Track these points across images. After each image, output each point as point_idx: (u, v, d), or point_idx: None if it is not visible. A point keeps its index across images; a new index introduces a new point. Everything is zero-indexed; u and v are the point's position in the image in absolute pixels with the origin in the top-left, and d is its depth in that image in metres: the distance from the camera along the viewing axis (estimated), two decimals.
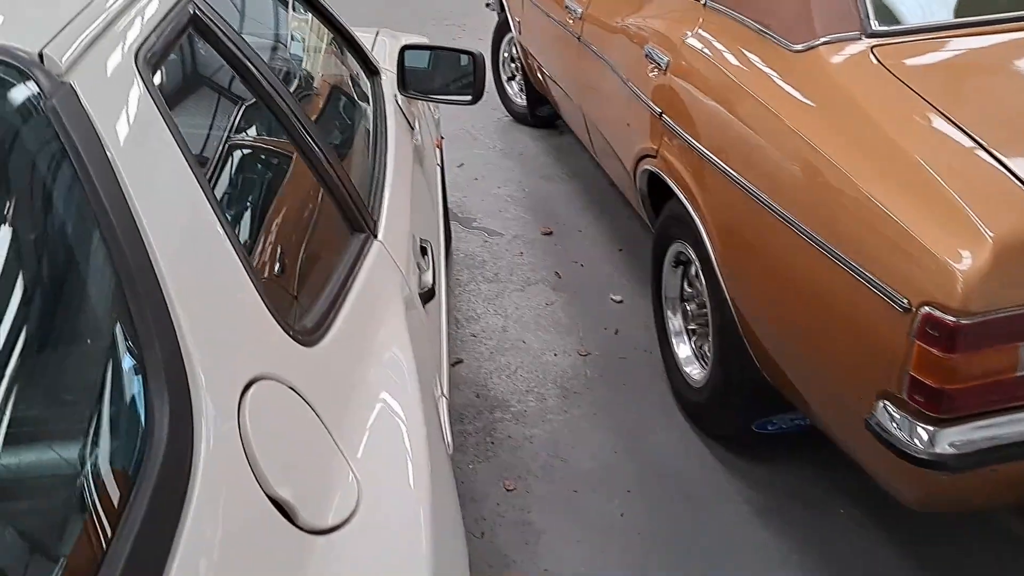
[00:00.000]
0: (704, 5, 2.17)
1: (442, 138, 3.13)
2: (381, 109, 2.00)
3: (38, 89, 0.81)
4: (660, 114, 2.21)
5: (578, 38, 3.03)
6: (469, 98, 2.06)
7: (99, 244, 0.78)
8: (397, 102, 2.10)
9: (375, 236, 1.42)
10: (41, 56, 0.84)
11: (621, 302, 3.01)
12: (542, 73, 3.81)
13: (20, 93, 0.82)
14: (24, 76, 0.82)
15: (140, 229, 0.80)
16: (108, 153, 0.82)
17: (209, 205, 0.93)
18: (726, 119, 1.92)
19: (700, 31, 2.13)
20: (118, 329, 0.77)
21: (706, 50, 2.09)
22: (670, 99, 2.18)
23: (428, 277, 1.57)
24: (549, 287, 3.14)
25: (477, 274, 3.25)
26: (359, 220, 1.39)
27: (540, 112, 4.35)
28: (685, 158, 2.12)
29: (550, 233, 3.52)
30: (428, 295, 1.53)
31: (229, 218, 0.98)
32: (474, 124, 4.69)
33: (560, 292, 3.10)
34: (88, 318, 0.78)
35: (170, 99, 1.06)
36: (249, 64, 1.25)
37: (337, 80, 2.02)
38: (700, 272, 2.20)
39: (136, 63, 0.95)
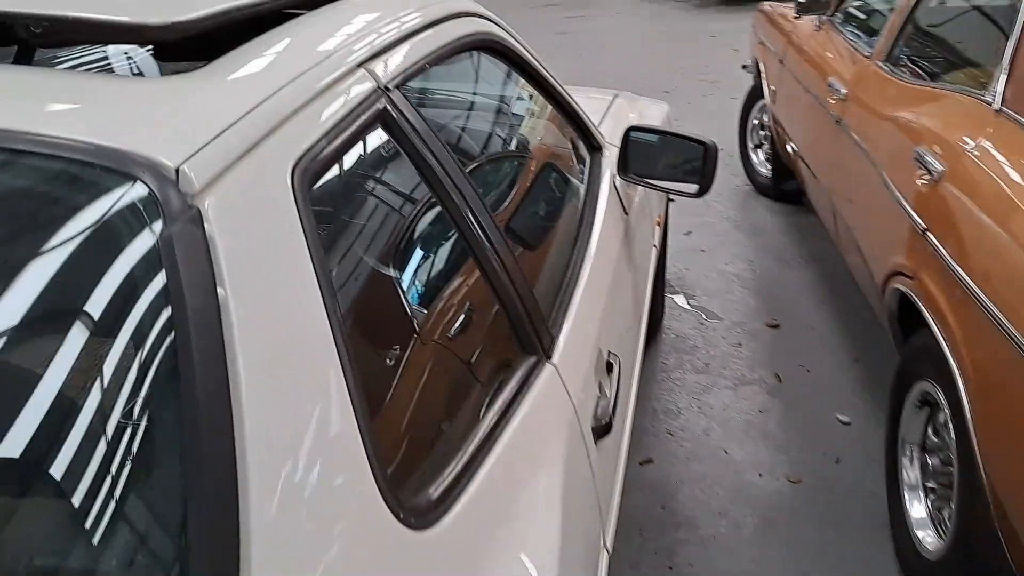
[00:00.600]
0: (998, 111, 1.79)
1: (666, 213, 2.92)
2: (594, 192, 1.83)
3: (162, 212, 0.70)
4: (924, 231, 1.85)
5: (837, 121, 2.69)
6: (695, 190, 1.83)
7: (175, 402, 0.65)
8: (614, 183, 1.92)
9: (548, 357, 1.23)
10: (178, 172, 0.72)
11: (849, 424, 2.61)
12: (792, 147, 3.47)
13: (141, 214, 0.71)
14: (152, 194, 0.71)
15: (231, 390, 0.67)
16: (219, 293, 0.69)
17: (334, 346, 0.78)
18: (1009, 251, 1.55)
19: (988, 141, 1.76)
20: (174, 508, 0.64)
21: (992, 164, 1.71)
22: (938, 214, 1.82)
23: (608, 405, 1.36)
24: (765, 390, 2.80)
25: (686, 361, 2.98)
26: (531, 339, 1.21)
27: (785, 186, 3.99)
28: (947, 287, 1.75)
29: (776, 326, 3.17)
30: (604, 429, 1.32)
31: (354, 354, 0.83)
32: None
33: (778, 398, 2.75)
34: (152, 495, 0.66)
35: (326, 209, 0.94)
36: (434, 158, 1.11)
37: (547, 159, 1.87)
38: (949, 423, 1.81)
39: (292, 179, 0.81)
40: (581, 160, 1.93)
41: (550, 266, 1.53)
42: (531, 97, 1.81)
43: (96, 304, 0.70)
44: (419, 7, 1.30)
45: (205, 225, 0.71)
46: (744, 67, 4.51)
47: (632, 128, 1.87)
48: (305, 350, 0.76)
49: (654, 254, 2.41)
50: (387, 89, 1.05)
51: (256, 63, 0.93)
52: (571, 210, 1.76)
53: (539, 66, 1.69)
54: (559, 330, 1.31)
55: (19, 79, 0.86)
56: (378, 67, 1.06)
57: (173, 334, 0.67)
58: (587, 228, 1.68)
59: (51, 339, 0.68)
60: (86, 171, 0.72)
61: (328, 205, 0.97)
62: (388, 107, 1.04)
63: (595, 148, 1.98)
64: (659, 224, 2.58)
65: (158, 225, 0.70)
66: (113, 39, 0.87)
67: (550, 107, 1.82)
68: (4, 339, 0.68)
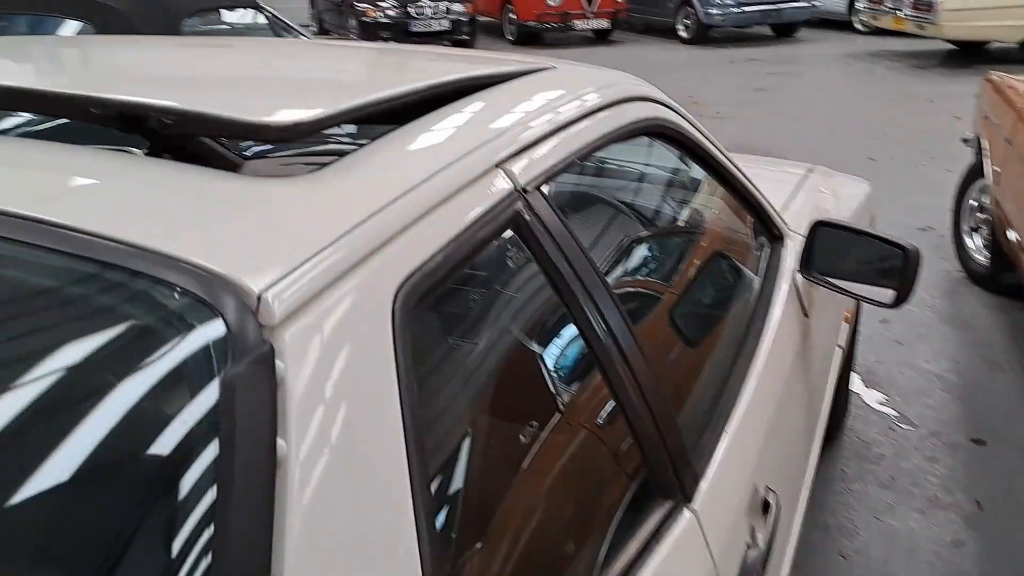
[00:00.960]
0: None
1: (857, 307, 2.62)
2: (769, 288, 1.62)
3: (230, 347, 0.60)
4: None
5: None
6: (890, 300, 1.59)
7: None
8: (795, 280, 1.70)
9: (688, 501, 1.06)
10: (259, 300, 0.62)
11: None
12: (1016, 237, 3.05)
13: (208, 349, 0.62)
14: (225, 324, 0.61)
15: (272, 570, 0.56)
16: (280, 445, 0.59)
17: (413, 524, 0.65)
18: None
19: None
20: None
21: None
22: None
23: (758, 557, 1.16)
24: (962, 518, 2.42)
25: (869, 471, 2.64)
26: (669, 479, 1.04)
27: (1004, 278, 3.53)
28: None
29: (981, 442, 2.76)
30: None
31: (437, 531, 0.70)
32: None
33: (976, 530, 2.37)
34: None
35: (434, 329, 0.83)
36: (568, 266, 0.97)
37: (717, 248, 1.69)
38: None
39: (395, 303, 0.71)
40: (758, 250, 1.74)
41: (706, 378, 1.35)
42: (702, 181, 1.64)
43: (140, 446, 0.62)
44: (583, 92, 1.19)
45: (277, 363, 0.61)
46: (964, 141, 4.08)
47: (820, 222, 1.65)
48: (374, 523, 0.64)
49: (838, 356, 2.14)
50: (524, 191, 0.93)
51: (377, 165, 0.84)
52: (740, 308, 1.57)
53: (713, 148, 1.53)
54: (706, 465, 1.13)
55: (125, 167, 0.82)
56: (518, 165, 0.94)
57: (216, 492, 0.58)
58: (756, 332, 1.48)
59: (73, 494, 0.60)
60: (157, 288, 0.65)
61: (438, 324, 0.86)
62: (523, 210, 0.92)
63: (776, 237, 1.77)
64: (848, 320, 2.31)
65: (223, 362, 0.60)
66: (237, 135, 0.82)
67: (724, 191, 1.64)
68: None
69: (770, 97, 8.43)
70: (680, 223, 1.70)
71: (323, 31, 12.53)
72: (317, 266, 0.66)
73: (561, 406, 1.08)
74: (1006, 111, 3.33)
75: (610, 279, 1.24)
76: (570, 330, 1.00)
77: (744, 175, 1.64)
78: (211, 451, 0.59)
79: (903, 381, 3.12)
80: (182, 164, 0.81)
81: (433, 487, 0.69)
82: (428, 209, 0.78)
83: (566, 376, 1.08)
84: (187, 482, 0.60)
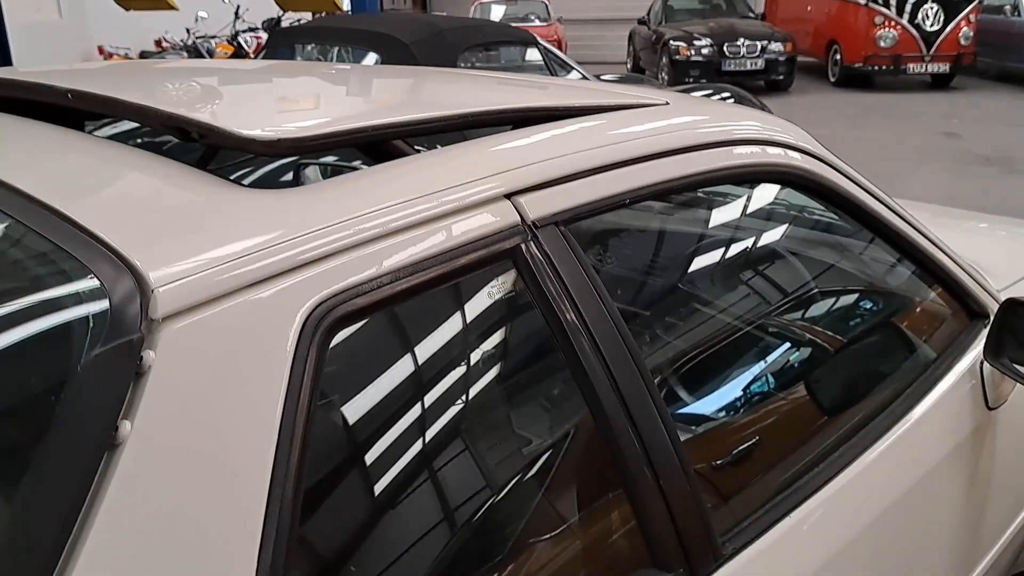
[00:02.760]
0: None
1: None
2: (941, 372, 1.38)
3: (106, 328, 0.65)
4: None
5: None
6: None
7: None
8: (981, 368, 1.43)
9: None
10: (153, 292, 0.66)
11: None
12: None
13: (85, 324, 0.68)
14: (107, 307, 0.66)
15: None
16: (122, 427, 0.63)
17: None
18: None
19: None
20: None
21: None
22: None
23: None
24: None
25: None
26: (665, 548, 0.93)
27: None
28: None
29: None
30: None
31: None
32: None
33: None
34: None
35: (364, 365, 0.83)
36: (578, 318, 0.91)
37: (865, 320, 1.48)
38: None
39: (307, 321, 0.72)
40: (949, 328, 1.49)
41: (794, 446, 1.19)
42: (858, 242, 1.45)
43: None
44: (668, 129, 1.12)
45: (147, 352, 0.65)
46: None
47: (1015, 301, 1.38)
48: (211, 526, 0.66)
49: None
50: (535, 227, 0.90)
51: (353, 185, 0.87)
52: (889, 385, 1.35)
53: (882, 208, 1.33)
54: (741, 546, 1.00)
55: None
56: (533, 198, 0.92)
57: (39, 454, 0.63)
58: (896, 412, 1.26)
59: None
60: (66, 254, 0.72)
61: (379, 352, 0.86)
62: (529, 248, 0.89)
63: (975, 314, 1.51)
64: None
65: (95, 339, 0.65)
66: (235, 147, 0.88)
67: (901, 256, 1.43)
68: None
69: None
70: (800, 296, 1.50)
71: (637, 68, 12.78)
72: (227, 272, 0.70)
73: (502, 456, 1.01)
74: None
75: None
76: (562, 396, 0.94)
77: (929, 238, 1.41)
78: (46, 416, 0.65)
79: None
80: (175, 163, 0.89)
81: (299, 511, 0.69)
82: (382, 234, 0.79)
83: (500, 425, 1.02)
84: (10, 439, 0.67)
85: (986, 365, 1.42)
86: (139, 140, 1.32)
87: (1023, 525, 1.55)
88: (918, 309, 1.54)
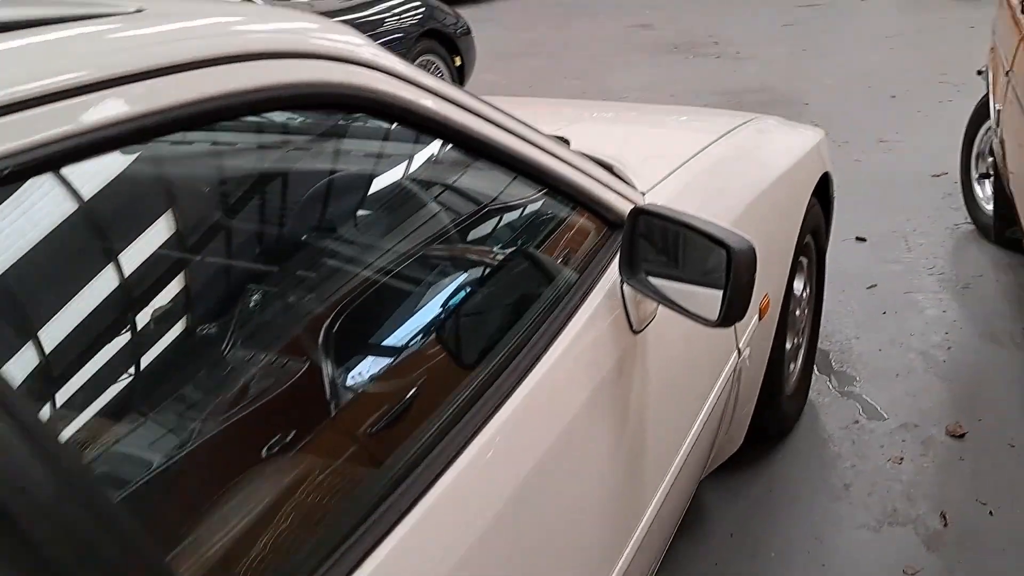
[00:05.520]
0: None
1: (819, 269, 2.25)
2: (574, 305, 1.23)
3: None
4: None
5: None
6: (713, 319, 1.19)
7: None
8: (622, 288, 1.30)
9: None
10: None
11: None
12: (1013, 186, 2.57)
13: None
14: None
15: None
16: None
17: None
18: None
19: None
20: None
21: None
22: None
23: None
24: (922, 539, 2.01)
25: (819, 477, 2.24)
26: None
27: (1011, 234, 3.03)
28: None
29: (960, 436, 2.33)
30: None
31: None
32: (914, 225, 3.52)
33: (936, 553, 1.97)
34: None
35: None
36: None
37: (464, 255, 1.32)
38: None
39: None
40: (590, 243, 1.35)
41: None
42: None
43: None
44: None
45: None
46: (979, 72, 3.53)
47: (640, 211, 1.26)
48: None
49: (735, 360, 1.72)
50: None
51: None
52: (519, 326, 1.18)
53: (483, 124, 1.13)
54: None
55: None
56: None
57: None
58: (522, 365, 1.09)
59: None
60: None
61: None
62: None
63: (614, 225, 1.38)
64: (765, 310, 1.88)
65: None
66: None
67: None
68: None
69: (796, 32, 7.78)
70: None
71: None
72: None
73: None
74: (1010, 36, 2.81)
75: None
76: None
77: (548, 150, 1.24)
78: None
79: (880, 361, 2.68)
80: None
81: None
82: None
83: None
84: None
85: (625, 284, 1.30)
86: None
87: (690, 451, 1.49)
88: (560, 231, 1.39)
